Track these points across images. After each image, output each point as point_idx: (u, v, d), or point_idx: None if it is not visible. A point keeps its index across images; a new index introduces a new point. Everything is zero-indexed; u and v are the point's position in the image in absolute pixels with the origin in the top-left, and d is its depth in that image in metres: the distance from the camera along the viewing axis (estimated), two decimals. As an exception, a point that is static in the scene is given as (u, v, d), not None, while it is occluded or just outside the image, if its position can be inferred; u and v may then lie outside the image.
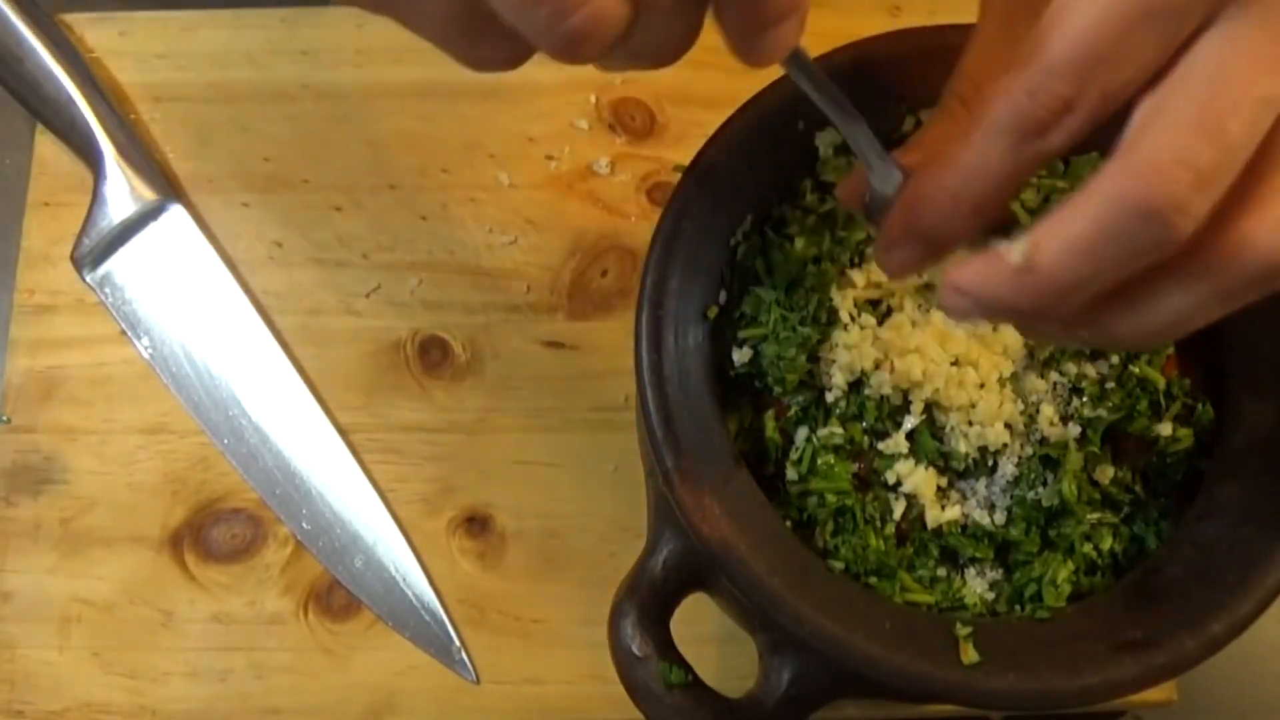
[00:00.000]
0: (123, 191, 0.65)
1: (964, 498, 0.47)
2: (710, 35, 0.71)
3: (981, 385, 0.47)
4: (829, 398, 0.48)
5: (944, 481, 0.47)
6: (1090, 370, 0.48)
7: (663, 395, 0.45)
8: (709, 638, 0.59)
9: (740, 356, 0.48)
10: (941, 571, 0.47)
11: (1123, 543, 0.47)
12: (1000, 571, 0.47)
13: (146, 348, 0.64)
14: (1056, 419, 0.47)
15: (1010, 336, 0.47)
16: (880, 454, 0.47)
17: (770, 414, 0.48)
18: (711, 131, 0.49)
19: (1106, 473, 0.48)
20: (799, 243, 0.50)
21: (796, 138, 0.50)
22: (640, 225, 0.66)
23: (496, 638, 0.60)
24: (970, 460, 0.47)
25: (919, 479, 0.47)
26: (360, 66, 0.69)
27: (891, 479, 0.47)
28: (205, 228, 0.66)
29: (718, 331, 0.48)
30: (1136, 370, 0.48)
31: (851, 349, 0.47)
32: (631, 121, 0.69)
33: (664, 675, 0.45)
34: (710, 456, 0.45)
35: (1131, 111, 0.33)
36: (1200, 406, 0.48)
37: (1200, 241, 0.32)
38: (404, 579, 0.60)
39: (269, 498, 0.62)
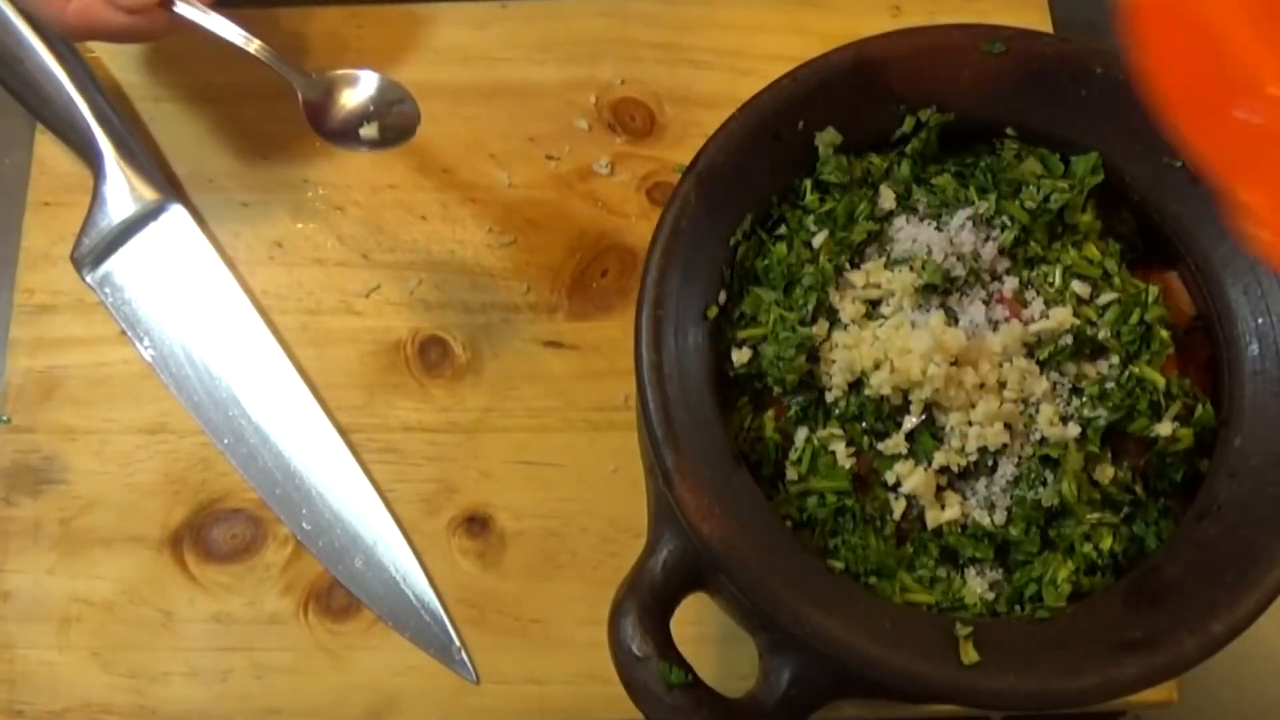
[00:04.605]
0: (123, 191, 0.65)
1: (964, 498, 0.47)
2: (711, 35, 0.72)
3: (981, 385, 0.47)
4: (829, 398, 0.48)
5: (944, 481, 0.47)
6: (1090, 370, 0.48)
7: (663, 395, 0.45)
8: (709, 638, 0.59)
9: (740, 356, 0.48)
10: (941, 571, 0.47)
11: (1123, 543, 0.47)
12: (1000, 571, 0.47)
13: (146, 348, 0.64)
14: (1056, 419, 0.47)
15: (1010, 337, 0.47)
16: (880, 454, 0.47)
17: (770, 414, 0.48)
18: (711, 131, 0.49)
19: (1106, 473, 0.47)
20: (797, 243, 0.50)
21: (796, 138, 0.50)
22: (640, 225, 0.66)
23: (496, 638, 0.60)
24: (970, 460, 0.47)
25: (919, 479, 0.47)
26: (360, 66, 0.69)
27: (891, 479, 0.47)
28: (205, 228, 0.66)
29: (718, 331, 0.48)
30: (1136, 370, 0.48)
31: (851, 349, 0.47)
32: (631, 121, 0.69)
33: (664, 675, 0.45)
34: (710, 456, 0.45)
35: None
36: (1200, 406, 0.48)
37: None
38: (404, 579, 0.60)
39: (269, 498, 0.62)
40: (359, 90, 0.59)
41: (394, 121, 0.59)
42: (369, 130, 0.59)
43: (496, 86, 0.69)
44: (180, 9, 0.56)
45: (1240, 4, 0.32)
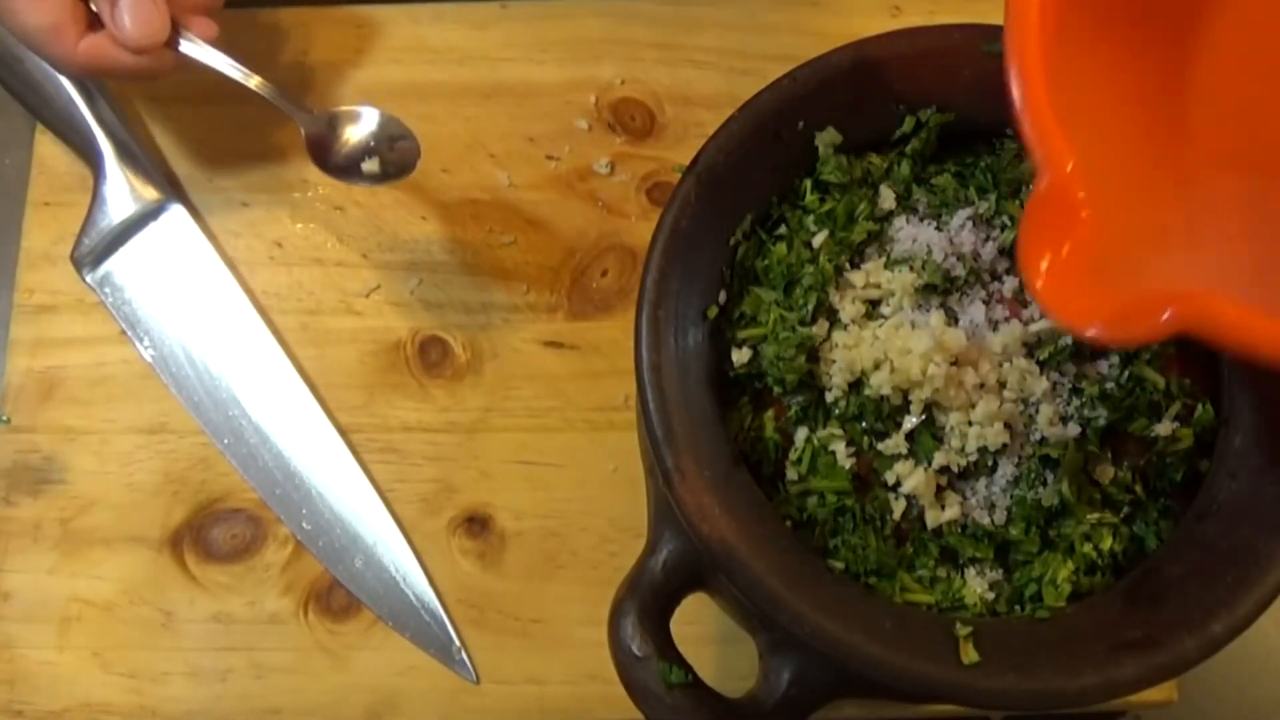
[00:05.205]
0: (123, 191, 0.65)
1: (964, 498, 0.47)
2: (711, 35, 0.72)
3: (981, 385, 0.47)
4: (829, 398, 0.48)
5: (944, 481, 0.47)
6: (1090, 370, 0.48)
7: (663, 395, 0.45)
8: (709, 638, 0.59)
9: (740, 356, 0.48)
10: (941, 571, 0.47)
11: (1123, 543, 0.47)
12: (1000, 571, 0.47)
13: (146, 348, 0.64)
14: (1056, 419, 0.47)
15: (1010, 337, 0.47)
16: (880, 454, 0.47)
17: (770, 414, 0.48)
18: (711, 131, 0.49)
19: (1106, 473, 0.47)
20: (797, 243, 0.50)
21: (796, 138, 0.50)
22: (640, 225, 0.66)
23: (496, 638, 0.60)
24: (970, 460, 0.47)
25: (919, 479, 0.47)
26: (360, 66, 0.69)
27: (891, 479, 0.47)
28: (205, 228, 0.66)
29: (718, 331, 0.48)
30: (1136, 370, 0.48)
31: (851, 349, 0.47)
32: (631, 121, 0.69)
33: (664, 675, 0.45)
34: (710, 456, 0.45)
35: None
36: (1200, 406, 0.48)
37: None
38: (404, 579, 0.60)
39: (269, 498, 0.62)
40: (360, 126, 0.61)
41: (395, 157, 0.60)
42: (370, 165, 0.60)
43: (496, 86, 0.69)
44: (185, 48, 0.58)
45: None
